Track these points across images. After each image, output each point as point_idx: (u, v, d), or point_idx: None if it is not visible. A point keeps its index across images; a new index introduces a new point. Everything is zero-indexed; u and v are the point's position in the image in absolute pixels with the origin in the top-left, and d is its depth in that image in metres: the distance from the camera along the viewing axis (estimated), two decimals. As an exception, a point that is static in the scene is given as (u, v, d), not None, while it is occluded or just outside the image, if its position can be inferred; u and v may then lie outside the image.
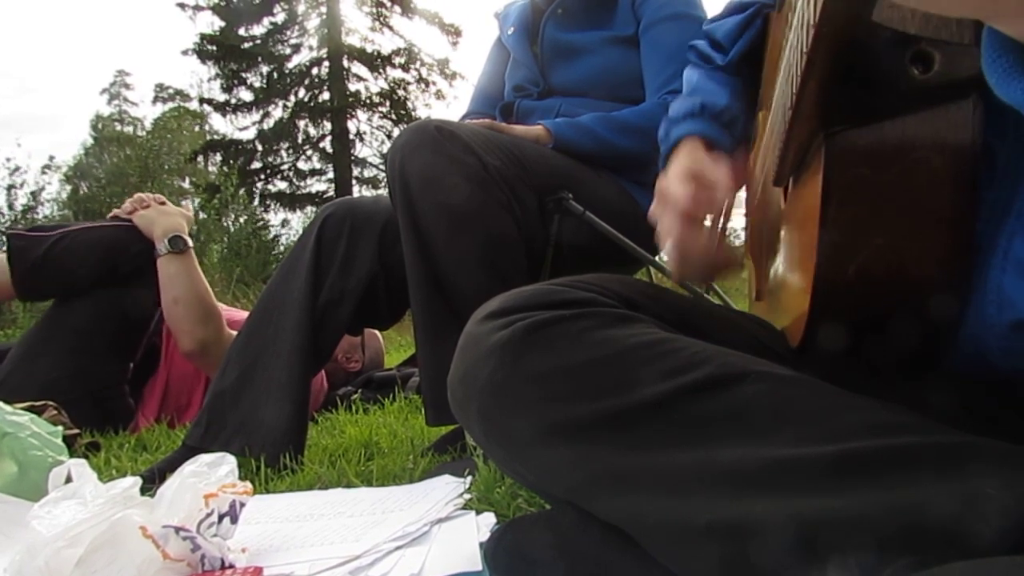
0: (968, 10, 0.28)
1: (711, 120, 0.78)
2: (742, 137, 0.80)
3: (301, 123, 16.73)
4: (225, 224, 14.59)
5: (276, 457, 1.11)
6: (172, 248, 1.69)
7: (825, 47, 0.36)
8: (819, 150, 0.44)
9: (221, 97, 16.61)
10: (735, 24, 0.80)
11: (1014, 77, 0.29)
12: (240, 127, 16.69)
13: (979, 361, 0.46)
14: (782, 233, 0.59)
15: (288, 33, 16.58)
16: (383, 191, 1.47)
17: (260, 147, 16.66)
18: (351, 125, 16.70)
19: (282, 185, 16.97)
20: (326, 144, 16.82)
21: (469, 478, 0.92)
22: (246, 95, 16.60)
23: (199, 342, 1.68)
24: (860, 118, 0.42)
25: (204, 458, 0.72)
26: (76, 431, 1.46)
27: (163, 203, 1.80)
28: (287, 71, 16.55)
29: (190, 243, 1.74)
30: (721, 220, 0.71)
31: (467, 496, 0.86)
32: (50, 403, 1.52)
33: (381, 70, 16.71)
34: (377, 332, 2.34)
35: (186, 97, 20.69)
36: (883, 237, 0.44)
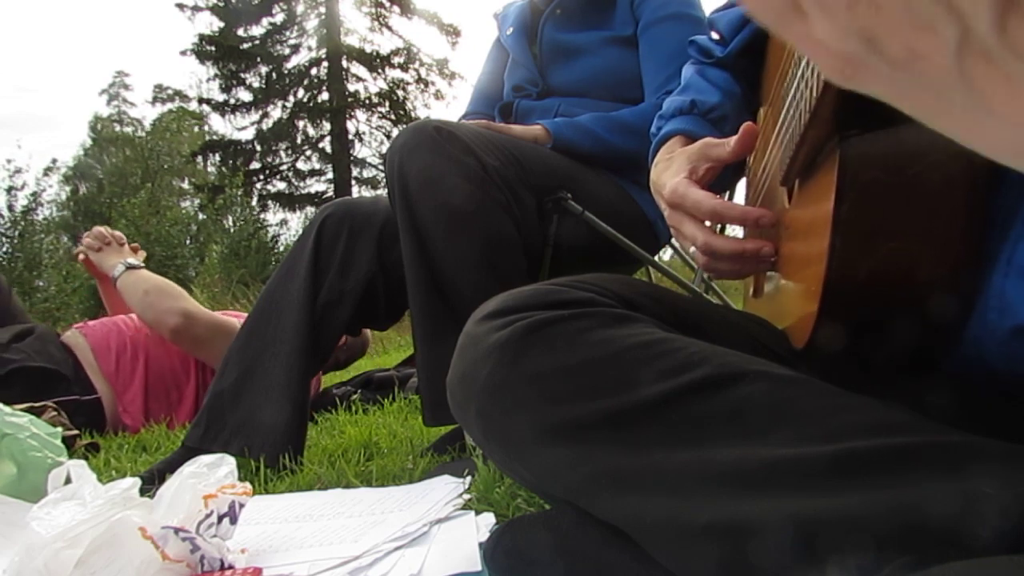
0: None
1: (699, 117, 0.78)
2: (732, 133, 0.80)
3: (300, 123, 16.75)
4: (225, 225, 14.59)
5: (275, 458, 1.11)
6: (128, 266, 1.91)
7: None
8: (832, 152, 0.44)
9: (220, 97, 16.63)
10: (737, 15, 0.80)
11: None
12: (239, 127, 16.71)
13: (979, 365, 0.46)
14: (786, 233, 0.59)
15: (287, 33, 16.60)
16: (382, 191, 1.47)
17: (259, 147, 16.67)
18: (350, 125, 16.72)
19: (281, 185, 17.00)
20: (325, 144, 16.84)
21: (468, 478, 0.92)
22: (245, 95, 16.63)
23: (180, 313, 1.80)
24: (876, 122, 0.42)
25: (203, 459, 0.72)
26: (75, 432, 1.47)
27: (122, 243, 2.01)
28: (286, 71, 16.56)
29: (140, 264, 1.96)
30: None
31: (466, 496, 0.86)
32: (49, 404, 1.52)
33: (380, 70, 16.72)
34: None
35: (185, 98, 20.72)
36: (895, 241, 0.44)
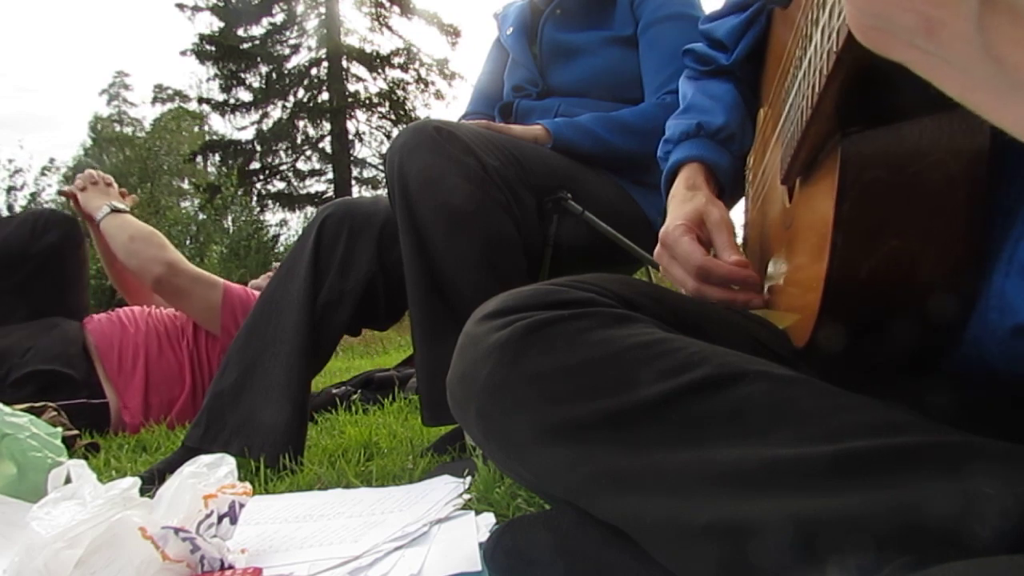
0: None
1: (708, 140, 0.78)
2: (739, 151, 0.80)
3: (300, 123, 16.74)
4: (225, 225, 14.61)
5: (275, 458, 1.11)
6: (112, 209, 1.92)
7: (857, 49, 0.36)
8: (833, 150, 0.44)
9: (220, 97, 16.62)
10: (738, 22, 0.80)
11: None
12: (239, 127, 16.70)
13: (980, 365, 0.46)
14: (786, 232, 0.59)
15: (287, 33, 16.58)
16: (382, 191, 1.47)
17: (259, 147, 16.66)
18: (350, 125, 16.71)
19: (281, 185, 16.98)
20: (325, 144, 16.82)
21: (468, 478, 0.92)
22: (245, 95, 16.61)
23: (164, 263, 1.83)
24: (878, 119, 0.42)
25: (203, 459, 0.72)
26: (75, 432, 1.47)
27: (109, 184, 2.02)
28: (286, 71, 16.55)
29: (127, 208, 1.97)
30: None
31: (466, 496, 0.86)
32: (49, 404, 1.52)
33: (380, 70, 16.71)
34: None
35: (185, 98, 20.72)
36: (897, 239, 0.44)
